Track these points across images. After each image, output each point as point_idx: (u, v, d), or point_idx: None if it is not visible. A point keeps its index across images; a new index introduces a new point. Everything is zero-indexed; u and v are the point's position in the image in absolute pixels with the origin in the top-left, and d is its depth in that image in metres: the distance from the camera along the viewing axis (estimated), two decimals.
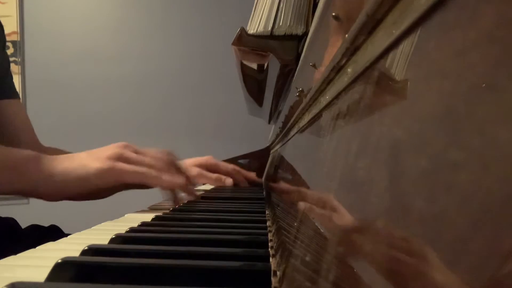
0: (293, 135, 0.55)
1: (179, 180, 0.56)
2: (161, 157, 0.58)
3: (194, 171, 0.89)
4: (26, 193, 0.55)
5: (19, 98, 0.84)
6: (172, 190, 0.58)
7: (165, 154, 0.59)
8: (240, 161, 1.12)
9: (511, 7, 0.09)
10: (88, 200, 0.62)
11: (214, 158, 0.95)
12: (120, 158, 0.54)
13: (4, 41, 0.79)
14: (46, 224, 0.77)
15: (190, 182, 0.63)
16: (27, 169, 0.53)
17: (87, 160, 0.54)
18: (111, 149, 0.56)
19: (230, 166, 0.95)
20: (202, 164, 0.92)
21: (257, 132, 1.74)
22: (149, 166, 0.55)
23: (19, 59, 2.03)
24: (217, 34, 1.99)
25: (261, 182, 0.98)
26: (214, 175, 0.91)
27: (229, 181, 0.92)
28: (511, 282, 0.07)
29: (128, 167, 0.54)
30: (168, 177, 0.55)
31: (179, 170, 0.60)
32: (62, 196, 0.56)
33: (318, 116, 0.34)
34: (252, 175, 0.98)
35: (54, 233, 0.72)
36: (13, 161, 0.53)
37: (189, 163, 0.91)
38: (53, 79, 2.04)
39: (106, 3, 2.08)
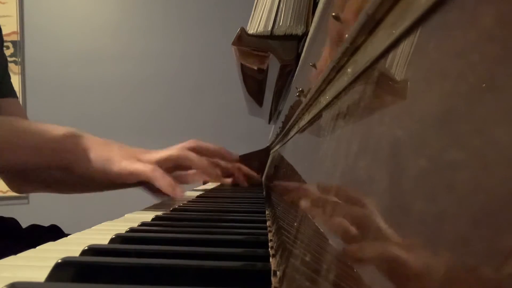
0: (293, 135, 0.55)
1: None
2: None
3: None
4: (61, 169, 0.58)
5: (17, 98, 0.84)
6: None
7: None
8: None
9: (511, 7, 0.09)
10: (118, 189, 0.66)
11: (197, 140, 0.92)
12: (147, 160, 0.58)
13: (2, 41, 0.79)
14: (46, 224, 0.77)
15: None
16: (62, 147, 0.56)
17: (117, 156, 0.58)
18: (139, 152, 0.60)
19: (218, 147, 0.93)
20: (191, 149, 0.89)
21: (257, 132, 1.74)
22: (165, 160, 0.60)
23: (19, 59, 2.03)
24: (217, 34, 1.99)
25: (260, 178, 0.97)
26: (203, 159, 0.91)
27: (228, 180, 0.91)
28: (511, 282, 0.07)
29: (141, 167, 0.56)
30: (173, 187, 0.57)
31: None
32: (91, 179, 0.59)
33: (318, 116, 0.34)
34: (252, 172, 0.97)
35: (54, 233, 0.72)
36: (49, 139, 0.55)
37: (207, 148, 0.88)
38: (53, 79, 2.04)
39: (106, 3, 2.08)
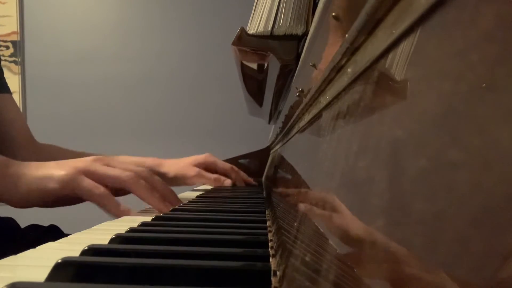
0: (293, 135, 0.55)
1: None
2: (132, 169, 0.55)
3: (193, 171, 0.89)
4: None
5: (11, 93, 0.84)
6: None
7: (139, 168, 0.56)
8: (240, 161, 1.12)
9: (511, 7, 0.09)
10: (56, 207, 0.59)
11: (212, 155, 0.95)
12: (87, 171, 0.52)
13: None
14: (46, 224, 0.77)
15: (172, 198, 0.59)
16: None
17: (53, 169, 0.53)
18: (82, 161, 0.54)
19: (228, 165, 0.95)
20: (201, 163, 0.92)
21: (257, 132, 1.74)
22: (113, 180, 0.53)
23: (19, 59, 2.03)
24: (217, 34, 1.99)
25: (256, 185, 0.98)
26: (213, 176, 0.91)
27: (228, 182, 0.92)
28: (511, 282, 0.07)
29: (86, 184, 0.51)
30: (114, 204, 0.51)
31: (156, 184, 0.57)
32: (26, 204, 0.54)
33: (318, 116, 0.34)
34: (249, 179, 0.98)
35: (54, 233, 0.72)
36: None
37: (188, 162, 0.91)
38: (53, 79, 2.04)
39: (106, 3, 2.08)
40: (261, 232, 0.36)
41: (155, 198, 0.54)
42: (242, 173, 0.97)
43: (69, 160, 0.55)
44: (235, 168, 0.96)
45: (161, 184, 0.58)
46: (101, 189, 0.51)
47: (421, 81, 0.13)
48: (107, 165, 0.54)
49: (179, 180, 0.88)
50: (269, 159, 1.10)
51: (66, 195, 0.52)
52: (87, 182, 0.51)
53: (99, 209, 0.54)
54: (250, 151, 1.18)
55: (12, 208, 0.56)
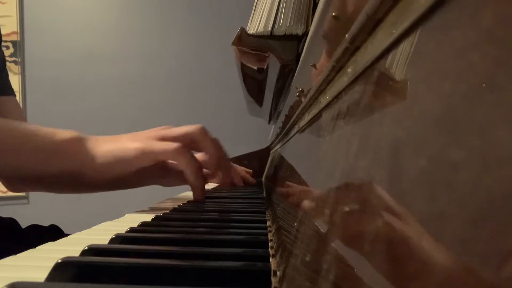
0: (293, 135, 0.55)
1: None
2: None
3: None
4: (72, 174, 0.55)
5: (15, 95, 0.84)
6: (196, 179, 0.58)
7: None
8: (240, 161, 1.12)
9: (511, 7, 0.09)
10: (125, 188, 0.62)
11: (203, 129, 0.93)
12: (158, 138, 0.55)
13: (0, 39, 0.79)
14: (46, 224, 0.77)
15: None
16: (70, 151, 0.53)
17: (127, 142, 0.55)
18: (151, 131, 0.57)
19: (239, 168, 0.94)
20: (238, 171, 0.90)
21: (257, 132, 1.74)
22: (183, 136, 0.57)
23: (19, 59, 2.03)
24: (216, 34, 1.99)
25: (255, 183, 0.97)
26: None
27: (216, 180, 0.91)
28: (511, 282, 0.07)
29: (163, 145, 0.54)
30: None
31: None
32: (106, 176, 0.56)
33: (318, 116, 0.34)
34: (249, 171, 0.97)
35: (54, 233, 0.72)
36: (56, 144, 0.53)
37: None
38: (53, 79, 2.04)
39: (106, 3, 2.08)
40: (261, 232, 0.36)
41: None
42: (240, 169, 0.95)
43: (140, 132, 0.58)
44: (234, 165, 0.94)
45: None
46: (174, 145, 0.54)
47: (421, 81, 0.13)
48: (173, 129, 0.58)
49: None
50: (269, 159, 1.10)
51: (144, 166, 0.54)
52: (161, 144, 0.54)
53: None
54: (250, 151, 1.18)
55: (13, 208, 0.56)
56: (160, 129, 0.59)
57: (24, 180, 0.69)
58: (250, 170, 0.98)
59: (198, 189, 0.59)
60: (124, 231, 0.35)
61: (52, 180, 0.57)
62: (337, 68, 0.26)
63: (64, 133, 0.54)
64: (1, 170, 0.56)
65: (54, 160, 0.53)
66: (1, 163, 0.52)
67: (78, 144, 0.54)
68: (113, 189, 0.62)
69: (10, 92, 0.82)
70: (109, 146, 0.55)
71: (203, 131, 0.59)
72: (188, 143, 0.57)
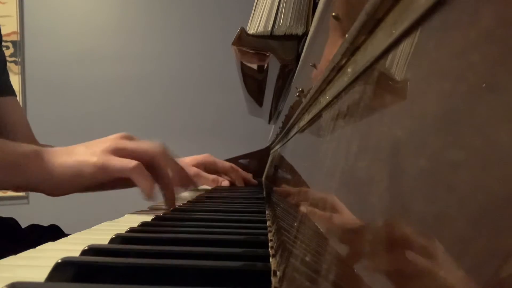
0: (293, 135, 0.55)
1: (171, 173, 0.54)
2: (157, 148, 0.56)
3: (192, 171, 0.89)
4: (28, 188, 0.54)
5: (16, 95, 0.84)
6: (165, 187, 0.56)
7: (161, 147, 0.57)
8: (240, 161, 1.12)
9: (511, 7, 0.09)
10: (93, 191, 0.60)
11: (211, 156, 0.95)
12: (116, 149, 0.53)
13: (1, 39, 0.79)
14: (46, 224, 0.77)
15: (187, 180, 0.62)
16: (27, 166, 0.52)
17: (84, 155, 0.53)
18: (109, 140, 0.54)
19: (227, 164, 0.95)
20: (200, 163, 0.92)
21: (257, 132, 1.74)
22: (143, 153, 0.54)
23: (19, 59, 2.03)
24: (217, 34, 1.99)
25: (256, 183, 0.98)
26: (212, 176, 0.91)
27: (225, 182, 0.92)
28: (511, 282, 0.07)
29: (119, 163, 0.51)
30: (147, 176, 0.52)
31: (175, 164, 0.59)
32: (62, 191, 0.55)
33: (318, 116, 0.34)
34: (249, 175, 0.98)
35: (54, 233, 0.72)
36: (13, 157, 0.51)
37: (187, 161, 0.91)
38: (53, 79, 2.04)
39: (106, 3, 2.08)
40: (261, 232, 0.36)
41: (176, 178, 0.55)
42: (242, 172, 0.97)
43: (96, 141, 0.55)
44: (235, 167, 0.96)
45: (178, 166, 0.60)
46: (133, 162, 0.52)
47: (421, 81, 0.13)
48: (132, 140, 0.56)
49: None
50: (269, 159, 1.10)
51: (102, 179, 0.53)
52: (119, 161, 0.52)
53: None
54: (250, 151, 1.18)
55: (13, 208, 0.56)
56: (119, 137, 0.56)
57: None
58: (250, 174, 0.99)
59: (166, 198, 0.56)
60: (124, 231, 0.35)
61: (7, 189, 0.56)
62: (337, 68, 0.26)
63: (23, 148, 0.53)
64: None
65: (10, 175, 0.52)
66: None
67: (35, 159, 0.52)
68: (86, 191, 0.59)
69: (11, 92, 0.82)
70: (66, 160, 0.53)
71: (164, 153, 0.56)
72: (147, 161, 0.54)
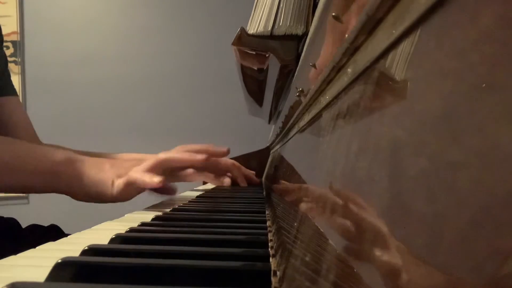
0: (293, 135, 0.55)
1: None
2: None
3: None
4: (59, 192, 0.58)
5: (17, 95, 0.84)
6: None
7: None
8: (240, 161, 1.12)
9: (511, 7, 0.09)
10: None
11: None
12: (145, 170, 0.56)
13: (1, 39, 0.79)
14: (46, 224, 0.77)
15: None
16: (59, 173, 0.56)
17: (109, 175, 0.56)
18: (135, 170, 0.57)
19: (229, 162, 0.94)
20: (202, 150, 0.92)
21: (257, 132, 1.74)
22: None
23: (19, 59, 2.03)
24: (217, 34, 1.99)
25: (259, 182, 0.98)
26: (212, 174, 0.92)
27: (227, 181, 0.92)
28: (511, 282, 0.07)
29: (141, 180, 0.55)
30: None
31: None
32: (89, 201, 0.60)
33: (318, 116, 0.34)
34: (251, 173, 0.98)
35: (54, 233, 0.72)
36: (48, 164, 0.55)
37: (194, 148, 0.90)
38: (53, 79, 2.04)
39: (106, 4, 2.08)
40: (261, 232, 0.36)
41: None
42: (244, 169, 0.96)
43: (120, 164, 0.59)
44: (237, 164, 0.95)
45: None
46: (146, 175, 0.55)
47: (421, 81, 0.13)
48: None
49: (179, 177, 0.88)
50: (269, 159, 1.10)
51: (121, 200, 0.58)
52: (147, 177, 0.55)
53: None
54: (250, 151, 1.18)
55: (13, 208, 0.57)
56: (134, 163, 0.59)
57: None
58: (253, 172, 0.98)
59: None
60: (124, 231, 0.35)
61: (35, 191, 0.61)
62: (337, 68, 0.26)
63: (58, 154, 0.57)
64: None
65: (45, 181, 0.56)
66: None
67: (69, 167, 0.57)
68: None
69: (13, 92, 0.82)
70: (94, 174, 0.57)
71: (169, 155, 0.60)
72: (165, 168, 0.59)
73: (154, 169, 0.56)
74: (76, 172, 0.56)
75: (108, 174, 0.57)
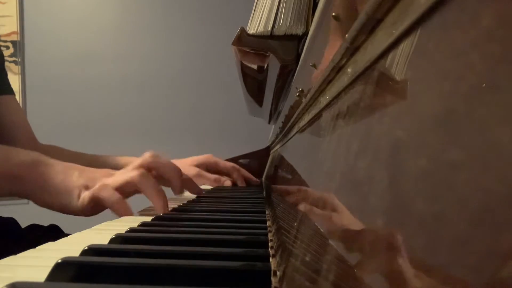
0: (293, 135, 0.55)
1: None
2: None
3: (193, 171, 0.89)
4: (22, 196, 0.54)
5: (14, 94, 0.84)
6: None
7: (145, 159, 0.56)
8: (240, 161, 1.12)
9: (511, 7, 0.09)
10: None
11: (213, 156, 0.95)
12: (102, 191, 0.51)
13: None
14: (46, 224, 0.77)
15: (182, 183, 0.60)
16: (21, 176, 0.52)
17: (76, 184, 0.51)
18: (102, 178, 0.52)
19: (229, 164, 0.95)
20: (201, 163, 0.92)
21: (257, 132, 1.74)
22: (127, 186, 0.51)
23: (19, 59, 2.03)
24: (217, 34, 1.99)
25: (259, 182, 0.98)
26: (213, 176, 0.91)
27: (228, 182, 0.92)
28: (511, 282, 0.07)
29: (106, 198, 0.50)
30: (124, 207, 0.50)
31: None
32: (53, 209, 0.54)
33: (318, 116, 0.34)
34: (251, 175, 0.98)
35: (54, 233, 0.72)
36: (7, 166, 0.52)
37: (188, 162, 0.91)
38: (53, 79, 2.04)
39: (106, 3, 2.08)
40: (261, 232, 0.36)
41: (160, 198, 0.52)
42: (243, 171, 0.97)
43: (90, 174, 0.53)
44: (237, 166, 0.96)
45: (168, 167, 0.58)
46: (115, 196, 0.50)
47: (421, 81, 0.13)
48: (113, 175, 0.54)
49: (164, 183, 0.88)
50: (269, 159, 1.10)
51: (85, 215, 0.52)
52: (106, 196, 0.50)
53: None
54: (250, 151, 1.18)
55: (13, 208, 0.56)
56: (105, 174, 0.54)
57: None
58: (252, 176, 0.99)
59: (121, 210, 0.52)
60: (124, 231, 0.35)
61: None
62: (337, 68, 0.26)
63: (23, 156, 0.52)
64: None
65: (6, 183, 0.52)
66: None
67: (33, 171, 0.52)
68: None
69: (9, 91, 0.82)
70: (59, 181, 0.52)
71: (144, 175, 0.52)
72: (132, 190, 0.52)
73: (126, 186, 0.51)
74: (39, 177, 0.52)
75: (75, 183, 0.52)
